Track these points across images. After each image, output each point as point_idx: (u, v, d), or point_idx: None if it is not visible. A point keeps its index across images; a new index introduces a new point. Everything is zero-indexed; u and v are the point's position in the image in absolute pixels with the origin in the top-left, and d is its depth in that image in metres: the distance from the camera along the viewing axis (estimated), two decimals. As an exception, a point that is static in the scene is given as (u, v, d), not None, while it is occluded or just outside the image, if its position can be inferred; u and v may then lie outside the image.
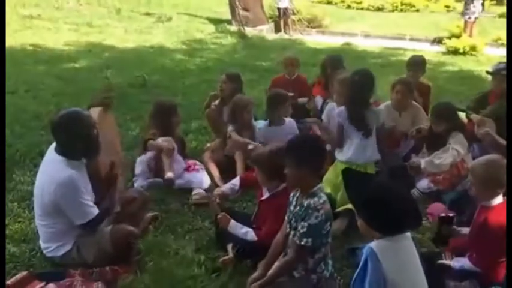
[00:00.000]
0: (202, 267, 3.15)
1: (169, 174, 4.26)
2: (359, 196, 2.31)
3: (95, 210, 3.12)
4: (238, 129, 4.73)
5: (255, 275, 2.89)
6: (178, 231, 3.69)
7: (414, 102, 4.94)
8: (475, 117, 4.74)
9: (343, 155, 3.99)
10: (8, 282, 2.92)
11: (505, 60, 5.34)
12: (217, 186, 4.28)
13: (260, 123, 5.14)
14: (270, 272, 2.85)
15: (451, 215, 3.37)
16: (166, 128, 4.52)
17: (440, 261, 3.09)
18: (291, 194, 2.98)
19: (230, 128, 4.76)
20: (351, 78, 4.02)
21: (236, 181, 3.75)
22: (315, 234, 2.73)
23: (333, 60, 5.71)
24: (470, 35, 11.23)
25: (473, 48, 10.61)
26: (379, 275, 2.17)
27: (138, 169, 4.40)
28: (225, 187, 3.74)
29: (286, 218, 2.97)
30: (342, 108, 4.06)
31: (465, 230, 3.22)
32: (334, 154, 4.08)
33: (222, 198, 3.65)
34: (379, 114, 4.18)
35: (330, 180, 3.91)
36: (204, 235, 3.65)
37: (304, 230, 2.72)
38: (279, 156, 3.11)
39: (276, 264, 2.91)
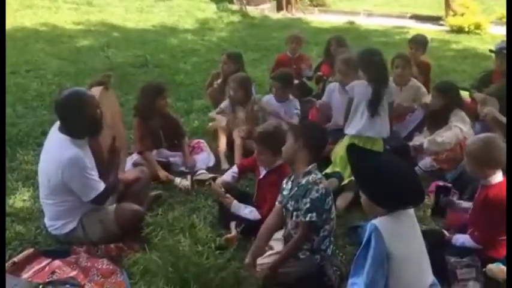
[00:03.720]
0: (205, 245, 3.18)
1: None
2: (363, 171, 2.33)
3: (102, 185, 3.15)
4: (235, 107, 4.74)
5: (246, 262, 2.90)
6: (181, 210, 3.71)
7: (415, 80, 4.96)
8: (478, 96, 4.74)
9: (353, 129, 4.08)
10: (15, 259, 2.97)
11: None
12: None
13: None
14: (280, 254, 2.87)
15: (448, 185, 3.39)
16: (150, 111, 4.28)
17: (441, 231, 3.15)
18: (285, 180, 3.01)
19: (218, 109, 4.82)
20: (371, 59, 4.13)
21: (235, 168, 3.80)
22: (319, 208, 2.76)
23: (338, 39, 5.77)
24: (451, 11, 11.15)
25: (477, 26, 10.50)
26: (382, 251, 2.19)
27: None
28: (226, 176, 3.77)
29: (277, 203, 3.01)
30: (362, 83, 4.12)
31: (464, 204, 3.25)
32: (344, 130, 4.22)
33: (224, 185, 3.69)
34: (393, 90, 4.31)
35: (341, 156, 3.97)
36: (207, 213, 3.68)
37: (308, 205, 2.76)
38: (281, 132, 3.23)
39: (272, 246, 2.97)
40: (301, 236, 2.82)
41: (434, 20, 11.81)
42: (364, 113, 4.08)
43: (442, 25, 11.27)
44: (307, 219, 2.76)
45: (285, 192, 2.96)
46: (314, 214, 2.75)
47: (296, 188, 2.85)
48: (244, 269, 2.90)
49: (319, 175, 2.86)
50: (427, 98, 4.76)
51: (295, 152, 2.86)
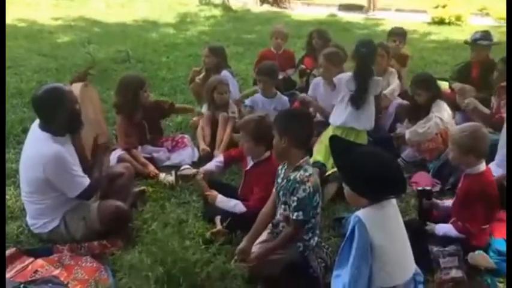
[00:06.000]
0: (192, 240, 3.17)
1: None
2: (345, 163, 2.34)
3: (86, 180, 3.12)
4: (214, 110, 4.69)
5: (241, 246, 2.91)
6: (165, 205, 3.70)
7: (391, 68, 5.02)
8: (456, 86, 4.81)
9: (338, 119, 4.12)
10: (-4, 259, 2.92)
11: (488, 29, 5.40)
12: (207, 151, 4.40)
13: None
14: (268, 247, 2.88)
15: (428, 188, 3.42)
16: (132, 104, 4.25)
17: (425, 226, 3.17)
18: (279, 167, 3.01)
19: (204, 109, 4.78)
20: (358, 50, 4.20)
21: (220, 158, 3.78)
22: (305, 207, 2.76)
23: (320, 32, 5.79)
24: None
25: (458, 18, 10.61)
26: (366, 242, 2.21)
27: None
28: (210, 165, 3.75)
29: (274, 190, 3.01)
30: (349, 76, 4.21)
31: (447, 203, 3.28)
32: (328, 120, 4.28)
33: (207, 175, 3.67)
34: (380, 83, 4.33)
35: (326, 145, 3.98)
36: (191, 208, 3.66)
37: (295, 204, 2.76)
38: (267, 122, 3.22)
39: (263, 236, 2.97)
40: (292, 232, 2.83)
41: (359, 9, 12.03)
42: (349, 105, 4.11)
43: (367, 15, 11.64)
44: (295, 217, 2.77)
45: (279, 180, 2.96)
46: (301, 213, 2.76)
47: (285, 181, 2.86)
48: (237, 254, 2.88)
49: (309, 171, 2.81)
50: (392, 87, 4.84)
51: (284, 149, 2.84)
